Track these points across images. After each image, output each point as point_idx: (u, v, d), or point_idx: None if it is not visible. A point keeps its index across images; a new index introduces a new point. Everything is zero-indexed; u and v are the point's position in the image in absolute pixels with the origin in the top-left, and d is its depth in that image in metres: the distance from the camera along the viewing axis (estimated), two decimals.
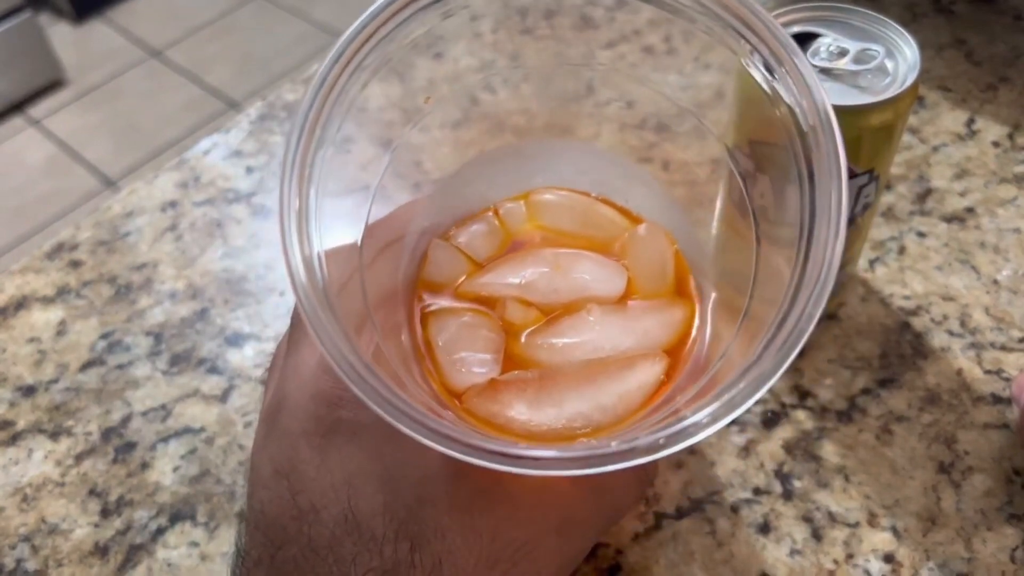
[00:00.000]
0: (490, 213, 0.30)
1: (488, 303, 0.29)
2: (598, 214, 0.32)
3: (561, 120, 0.27)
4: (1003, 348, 0.38)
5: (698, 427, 0.20)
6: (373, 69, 0.24)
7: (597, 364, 0.27)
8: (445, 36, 0.25)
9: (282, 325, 0.43)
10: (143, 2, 2.13)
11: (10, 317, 0.45)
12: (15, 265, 0.48)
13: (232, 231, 0.48)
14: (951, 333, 0.39)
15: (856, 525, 0.33)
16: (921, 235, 0.43)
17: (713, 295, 0.29)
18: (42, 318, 0.45)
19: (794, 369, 0.38)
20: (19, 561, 0.36)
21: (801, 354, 0.38)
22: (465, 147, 0.28)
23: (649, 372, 0.27)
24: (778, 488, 0.35)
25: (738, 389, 0.20)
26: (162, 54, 1.99)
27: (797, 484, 0.35)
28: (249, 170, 0.51)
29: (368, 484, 0.24)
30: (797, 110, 0.22)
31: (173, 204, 0.50)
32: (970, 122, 0.48)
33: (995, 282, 0.41)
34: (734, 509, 0.34)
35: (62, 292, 0.46)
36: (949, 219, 0.43)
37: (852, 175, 0.33)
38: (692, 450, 0.36)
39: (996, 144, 0.47)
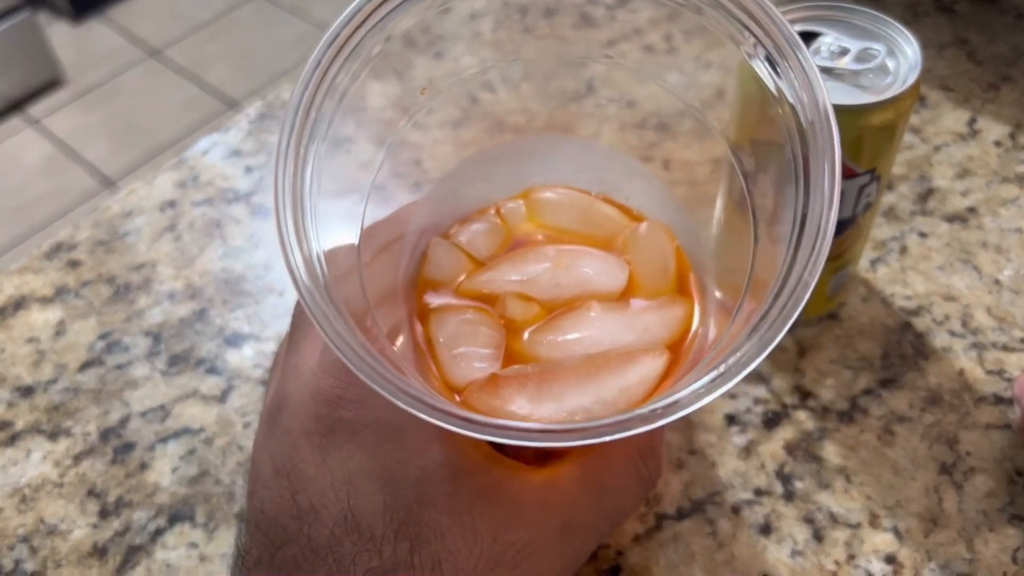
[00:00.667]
0: (491, 211, 0.30)
1: (489, 300, 0.29)
2: (599, 212, 0.31)
3: (561, 119, 0.27)
4: (1005, 348, 0.38)
5: (696, 395, 0.20)
6: (365, 59, 0.24)
7: (598, 358, 0.27)
8: (445, 35, 0.25)
9: (281, 325, 0.43)
10: (142, 1, 2.13)
11: (8, 317, 0.45)
12: (13, 265, 0.47)
13: (231, 231, 0.48)
14: (953, 333, 0.39)
15: (857, 526, 0.33)
16: (923, 235, 0.43)
17: (715, 292, 0.29)
18: (40, 318, 0.45)
19: (795, 369, 0.38)
20: (17, 562, 0.35)
21: (802, 354, 0.38)
22: (465, 146, 0.28)
23: (650, 367, 0.27)
24: (779, 489, 0.35)
25: (736, 358, 0.20)
26: (161, 53, 1.99)
27: (798, 485, 0.35)
28: (248, 170, 0.51)
29: (368, 483, 0.24)
30: (798, 107, 0.22)
31: (172, 204, 0.50)
32: (972, 122, 0.48)
33: (997, 282, 0.41)
34: (735, 510, 0.34)
35: (61, 292, 0.46)
36: (951, 219, 0.43)
37: (853, 175, 0.33)
38: (692, 450, 0.36)
39: (998, 144, 0.47)
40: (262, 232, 0.47)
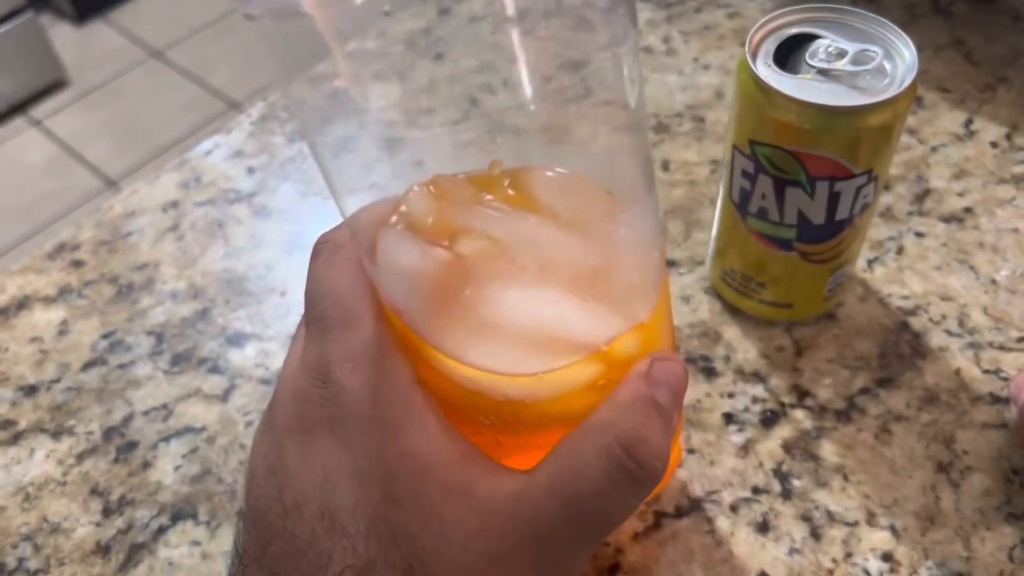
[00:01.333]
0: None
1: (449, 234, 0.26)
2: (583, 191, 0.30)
3: (560, 120, 0.27)
4: (1001, 348, 0.38)
5: None
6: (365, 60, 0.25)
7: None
8: (445, 37, 0.25)
9: (283, 325, 0.43)
10: (144, 3, 2.13)
11: (12, 317, 0.45)
12: (16, 265, 0.48)
13: (233, 231, 0.48)
14: (950, 333, 0.39)
15: (855, 524, 0.34)
16: (920, 235, 0.43)
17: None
18: (44, 318, 0.45)
19: (793, 369, 0.38)
20: (21, 560, 0.36)
21: (799, 354, 0.39)
22: (465, 146, 0.28)
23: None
24: (777, 487, 0.35)
25: None
26: (163, 55, 2.00)
27: (796, 483, 0.35)
28: (250, 171, 0.51)
29: (342, 479, 0.24)
30: None
31: (174, 204, 0.50)
32: (968, 122, 0.48)
33: (993, 282, 0.41)
34: (733, 508, 0.34)
35: (64, 292, 0.46)
36: (947, 219, 0.44)
37: (850, 175, 0.33)
38: (691, 449, 0.36)
39: (994, 144, 0.47)
40: (264, 232, 0.48)
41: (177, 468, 0.38)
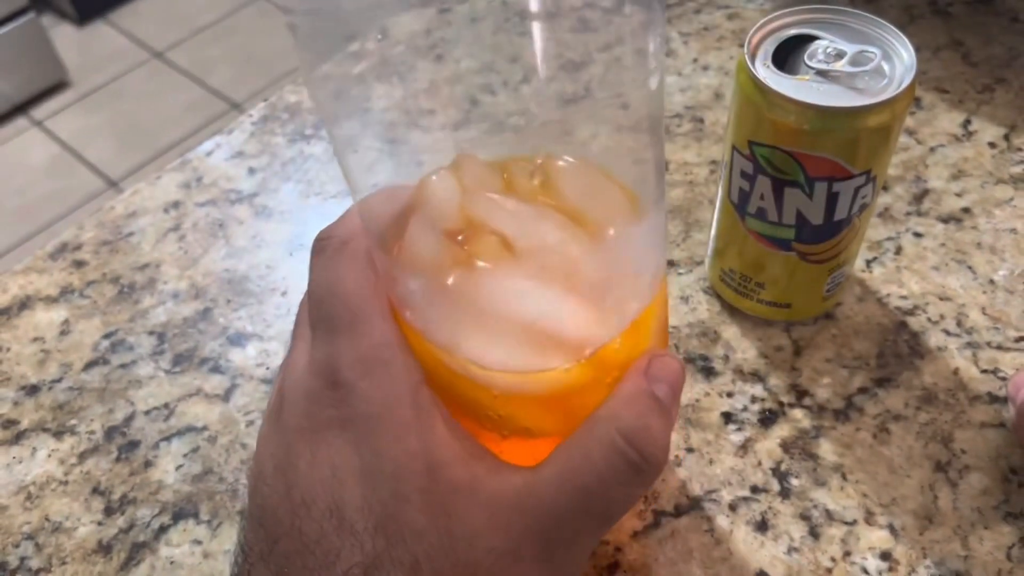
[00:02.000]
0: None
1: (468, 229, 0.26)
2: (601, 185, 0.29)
3: (560, 121, 0.27)
4: (999, 348, 0.39)
5: None
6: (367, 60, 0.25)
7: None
8: (446, 38, 0.25)
9: (284, 325, 0.43)
10: (145, 4, 2.14)
11: (14, 317, 0.45)
12: (18, 265, 0.48)
13: (234, 231, 0.48)
14: (948, 333, 0.39)
15: (853, 523, 0.34)
16: (918, 235, 0.43)
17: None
18: (46, 318, 0.45)
19: (791, 368, 0.39)
20: (23, 559, 0.36)
21: (798, 353, 0.39)
22: (466, 147, 0.28)
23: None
24: (776, 486, 0.35)
25: None
26: (164, 56, 2.00)
27: (795, 482, 0.35)
28: (251, 171, 0.51)
29: (350, 477, 0.24)
30: None
31: (176, 205, 0.50)
32: (967, 123, 0.48)
33: (991, 282, 0.41)
34: (732, 507, 0.34)
35: (65, 292, 0.46)
36: (946, 219, 0.44)
37: (849, 176, 0.33)
38: (690, 448, 0.36)
39: (992, 145, 0.47)
40: (265, 232, 0.48)
41: (178, 467, 0.38)
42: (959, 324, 0.39)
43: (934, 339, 0.39)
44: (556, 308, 0.25)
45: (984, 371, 0.38)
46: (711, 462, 0.36)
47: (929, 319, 0.40)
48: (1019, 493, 0.34)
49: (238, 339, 0.43)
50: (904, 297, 0.41)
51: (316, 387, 0.25)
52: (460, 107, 0.26)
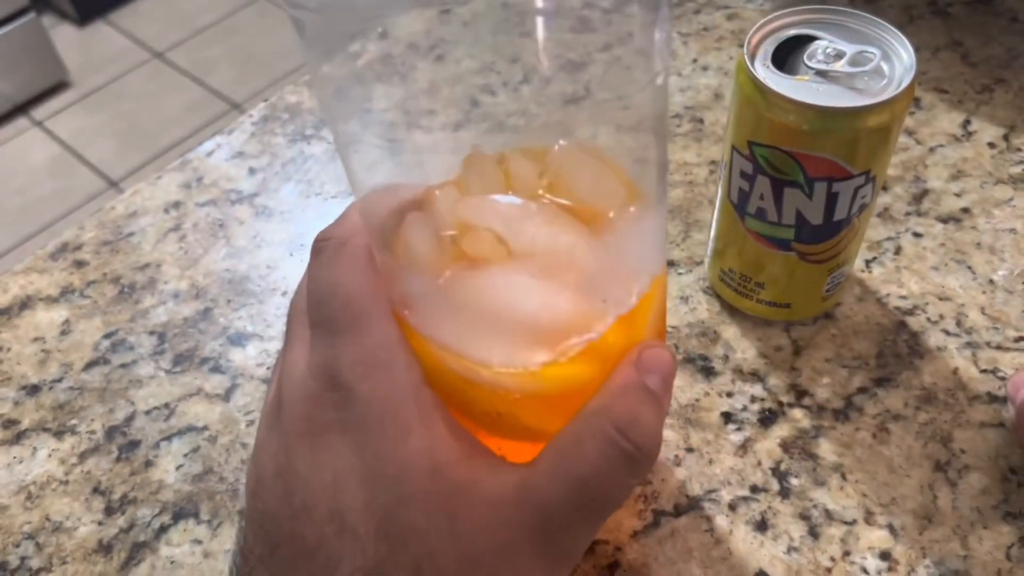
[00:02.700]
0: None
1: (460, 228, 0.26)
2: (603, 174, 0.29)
3: (559, 121, 0.27)
4: (999, 347, 0.39)
5: None
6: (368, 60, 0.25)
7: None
8: (446, 38, 0.25)
9: (284, 325, 0.43)
10: (146, 4, 2.14)
11: (14, 317, 0.45)
12: (19, 265, 0.48)
13: (235, 231, 0.48)
14: (947, 333, 0.39)
15: (853, 523, 0.34)
16: (917, 235, 0.43)
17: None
18: (46, 318, 0.45)
19: (791, 368, 0.39)
20: (23, 559, 0.36)
21: (798, 353, 0.39)
22: (466, 147, 0.28)
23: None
24: (775, 486, 0.35)
25: None
26: (165, 56, 2.00)
27: (794, 482, 0.35)
28: (252, 171, 0.51)
29: (352, 481, 0.24)
30: None
31: (176, 205, 0.50)
32: (966, 123, 0.48)
33: (991, 282, 0.41)
34: (732, 507, 0.34)
35: (66, 292, 0.46)
36: (945, 220, 0.44)
37: (849, 176, 0.33)
38: (689, 448, 0.36)
39: (992, 145, 0.47)
40: (266, 232, 0.48)
41: (179, 467, 0.38)
42: (959, 324, 0.40)
43: (934, 339, 0.39)
44: (552, 304, 0.25)
45: (983, 371, 0.38)
46: (711, 462, 0.36)
47: (928, 319, 0.40)
48: (1018, 493, 0.34)
49: (238, 339, 0.43)
50: (904, 297, 0.41)
51: (316, 389, 0.25)
52: (460, 107, 0.27)
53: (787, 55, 0.34)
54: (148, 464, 0.39)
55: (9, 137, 1.83)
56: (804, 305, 0.39)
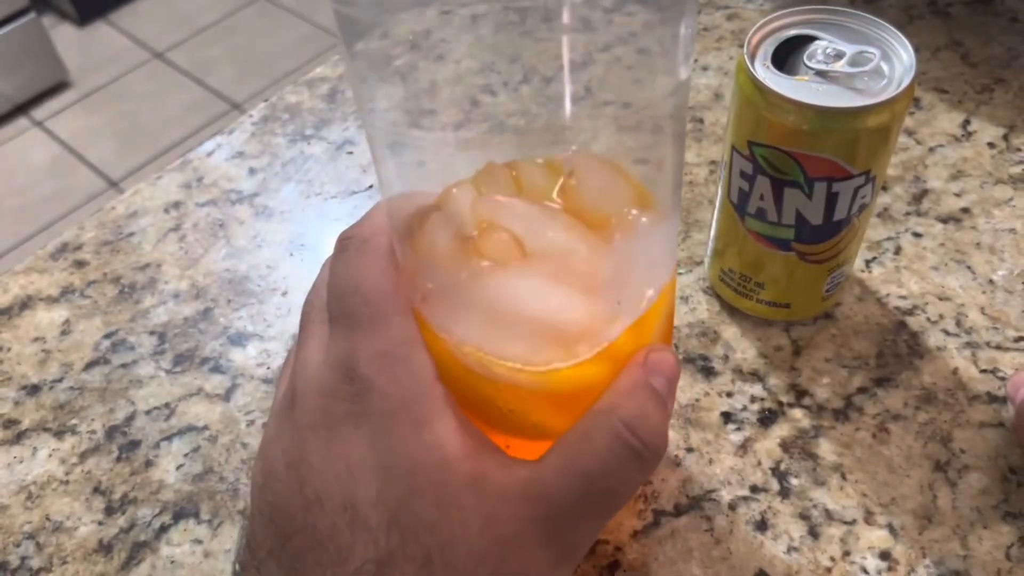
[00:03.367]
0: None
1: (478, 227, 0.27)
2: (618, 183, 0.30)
3: (560, 121, 0.27)
4: (999, 347, 0.39)
5: None
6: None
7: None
8: (447, 39, 0.25)
9: (284, 324, 0.43)
10: (146, 4, 2.14)
11: (15, 317, 0.45)
12: (19, 265, 0.48)
13: (235, 231, 0.48)
14: (947, 333, 0.39)
15: (853, 523, 0.34)
16: (917, 235, 0.43)
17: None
18: (46, 318, 0.45)
19: (791, 368, 0.39)
20: (23, 559, 0.36)
21: (797, 353, 0.39)
22: (466, 147, 0.28)
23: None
24: (775, 486, 0.35)
25: None
26: (165, 56, 2.00)
27: (794, 482, 0.35)
28: (252, 171, 0.51)
29: (365, 473, 0.24)
30: None
31: (176, 205, 0.50)
32: (966, 123, 0.48)
33: (991, 282, 0.41)
34: (732, 507, 0.35)
35: (66, 292, 0.46)
36: (945, 220, 0.44)
37: (849, 176, 0.33)
38: (689, 448, 0.36)
39: (992, 145, 0.47)
40: (266, 232, 0.48)
41: (179, 467, 0.38)
42: (958, 324, 0.40)
43: (933, 339, 0.39)
44: (565, 305, 0.26)
45: (983, 371, 0.38)
46: (711, 462, 0.36)
47: (928, 319, 0.40)
48: (1018, 493, 0.34)
49: (239, 339, 0.43)
50: (903, 297, 0.41)
51: (332, 382, 0.26)
52: (460, 108, 0.27)
53: (787, 55, 0.34)
54: (148, 464, 0.39)
55: (9, 137, 1.83)
56: (804, 305, 0.39)
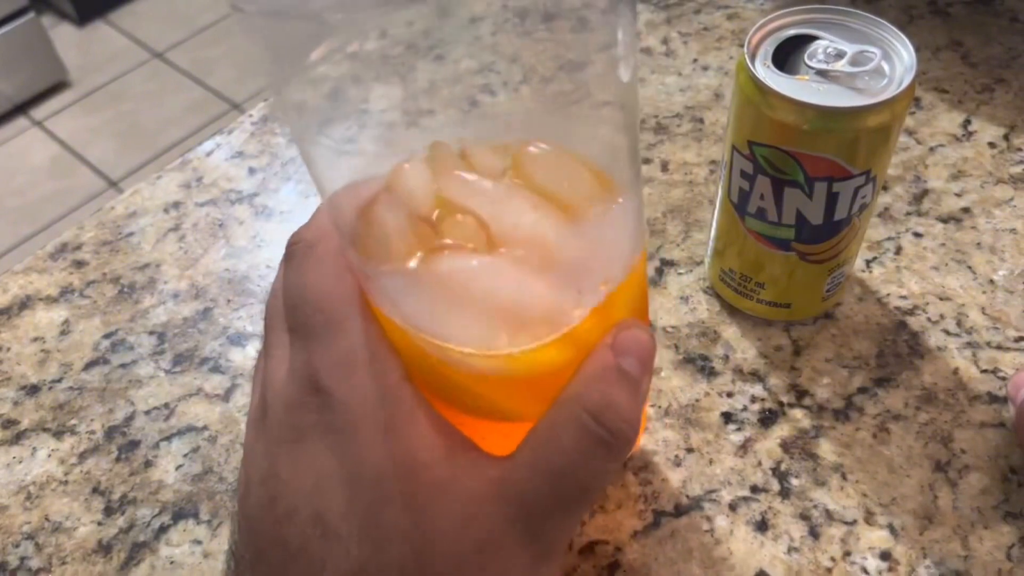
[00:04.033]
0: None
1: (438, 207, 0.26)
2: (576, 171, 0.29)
3: (560, 121, 0.27)
4: (999, 347, 0.39)
5: None
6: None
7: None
8: (446, 39, 0.25)
9: None
10: (145, 4, 2.14)
11: (14, 317, 0.45)
12: (19, 265, 0.48)
13: (235, 231, 0.48)
14: (948, 333, 0.39)
15: (853, 523, 0.34)
16: (918, 235, 0.43)
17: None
18: (46, 318, 0.45)
19: (791, 368, 0.39)
20: (23, 559, 0.36)
21: (798, 353, 0.39)
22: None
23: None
24: (776, 486, 0.35)
25: None
26: (165, 56, 2.00)
27: (795, 482, 0.35)
28: (251, 171, 0.51)
29: (333, 484, 0.24)
30: None
31: (176, 205, 0.50)
32: (966, 123, 0.48)
33: (991, 282, 0.41)
34: (732, 507, 0.34)
35: (66, 292, 0.46)
36: (945, 220, 0.44)
37: (849, 176, 0.33)
38: (690, 448, 0.36)
39: (992, 145, 0.47)
40: (265, 232, 0.48)
41: (179, 467, 0.38)
42: (959, 324, 0.39)
43: (934, 339, 0.39)
44: (527, 290, 0.25)
45: (984, 371, 0.38)
46: (711, 462, 0.36)
47: (929, 319, 0.40)
48: (1019, 493, 0.34)
49: (238, 339, 0.43)
50: (904, 297, 0.41)
51: (297, 395, 0.25)
52: (462, 106, 0.26)
53: (787, 55, 0.34)
54: (148, 464, 0.39)
55: (9, 137, 1.83)
56: (804, 305, 0.39)
